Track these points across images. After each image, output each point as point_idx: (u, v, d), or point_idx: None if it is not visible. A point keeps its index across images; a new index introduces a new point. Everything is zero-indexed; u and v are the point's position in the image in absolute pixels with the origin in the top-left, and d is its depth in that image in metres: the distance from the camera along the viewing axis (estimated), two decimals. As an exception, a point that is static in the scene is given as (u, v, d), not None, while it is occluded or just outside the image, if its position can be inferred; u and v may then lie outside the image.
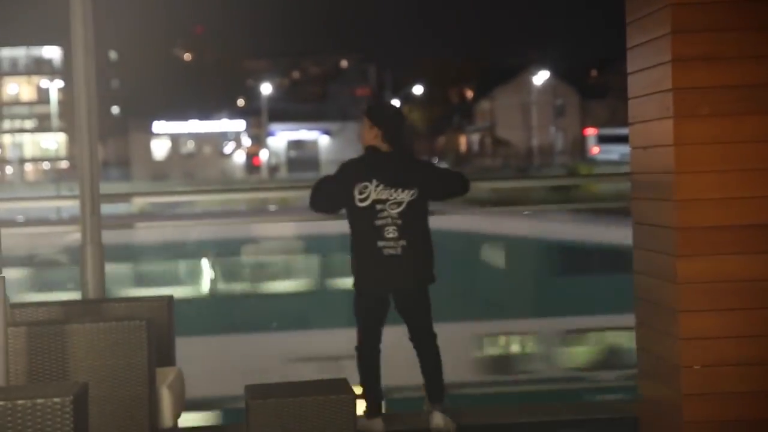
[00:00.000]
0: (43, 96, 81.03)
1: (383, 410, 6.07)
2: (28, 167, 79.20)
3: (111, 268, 6.51)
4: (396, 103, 74.67)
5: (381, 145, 6.01)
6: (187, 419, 5.88)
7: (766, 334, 4.89)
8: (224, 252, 13.52)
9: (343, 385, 4.96)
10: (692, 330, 4.89)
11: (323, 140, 77.50)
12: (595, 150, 69.67)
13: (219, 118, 78.56)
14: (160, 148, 78.25)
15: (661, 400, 5.25)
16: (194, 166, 74.50)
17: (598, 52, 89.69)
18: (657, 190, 5.17)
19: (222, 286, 13.88)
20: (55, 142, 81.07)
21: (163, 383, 5.18)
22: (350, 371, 5.98)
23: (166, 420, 5.15)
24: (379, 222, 5.85)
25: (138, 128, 75.70)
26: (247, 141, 79.89)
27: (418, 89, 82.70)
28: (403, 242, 5.85)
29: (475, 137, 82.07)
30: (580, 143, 74.77)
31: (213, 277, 13.99)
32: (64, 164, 76.25)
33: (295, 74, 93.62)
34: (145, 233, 11.41)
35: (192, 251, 13.35)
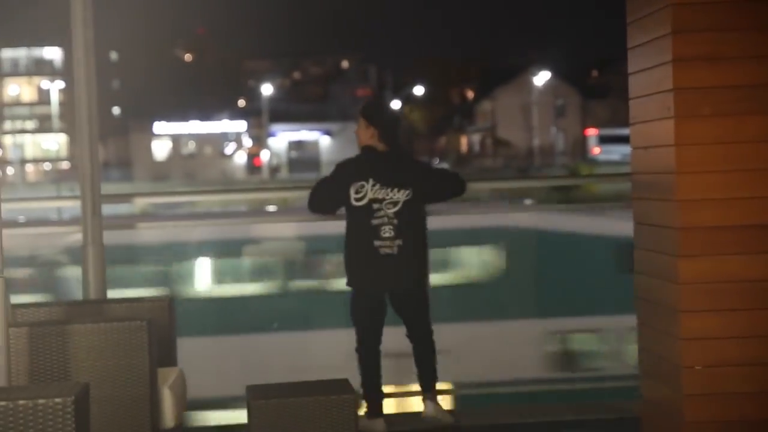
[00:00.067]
0: (43, 97, 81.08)
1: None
2: (29, 168, 79.23)
3: (112, 268, 6.53)
4: (397, 103, 74.83)
5: (377, 145, 6.02)
6: (189, 419, 5.88)
7: (767, 334, 4.90)
8: (225, 252, 13.53)
9: (344, 386, 4.97)
10: (693, 330, 4.89)
11: (324, 141, 77.53)
12: (596, 150, 69.68)
13: (220, 119, 78.58)
14: (160, 149, 78.28)
15: (662, 401, 5.24)
16: (195, 166, 74.52)
17: (599, 52, 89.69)
18: (658, 191, 5.16)
19: (223, 287, 13.87)
20: (56, 142, 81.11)
21: (165, 383, 5.18)
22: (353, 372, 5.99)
23: (168, 420, 5.16)
24: (375, 221, 5.86)
25: (139, 129, 75.73)
26: (248, 141, 79.91)
27: (418, 90, 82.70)
28: (399, 242, 5.86)
29: (476, 138, 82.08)
30: (581, 143, 74.77)
31: (214, 277, 13.99)
32: (65, 165, 76.28)
33: (296, 75, 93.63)
34: (146, 233, 11.40)
35: (193, 252, 13.35)
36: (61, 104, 78.13)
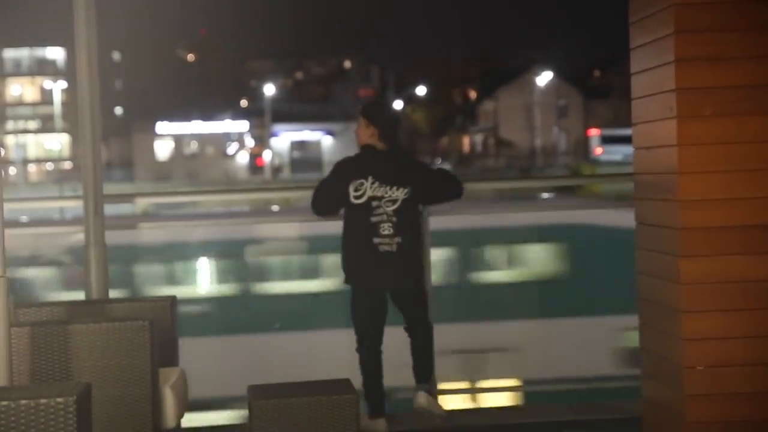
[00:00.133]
0: (46, 97, 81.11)
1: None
2: (32, 168, 79.25)
3: (114, 268, 6.54)
4: (399, 103, 74.82)
5: (377, 144, 6.03)
6: (190, 419, 5.89)
7: (769, 334, 4.90)
8: (227, 252, 13.53)
9: (345, 385, 4.97)
10: (695, 330, 4.89)
11: (326, 141, 77.53)
12: (598, 150, 69.62)
13: (222, 119, 78.58)
14: (163, 149, 78.29)
15: (664, 401, 5.24)
16: (197, 166, 74.52)
17: (602, 52, 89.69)
18: (660, 191, 5.16)
19: (224, 287, 13.88)
20: (58, 142, 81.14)
21: (166, 383, 5.18)
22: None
23: (169, 420, 5.16)
24: (374, 219, 5.88)
25: (141, 129, 75.74)
26: (250, 142, 79.91)
27: (421, 90, 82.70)
28: (398, 239, 5.88)
29: (479, 138, 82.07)
30: (583, 144, 74.73)
31: (215, 277, 14.00)
32: (67, 165, 76.29)
33: (299, 75, 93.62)
34: (148, 234, 11.41)
35: (195, 252, 13.36)
36: (64, 104, 78.16)
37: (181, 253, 13.09)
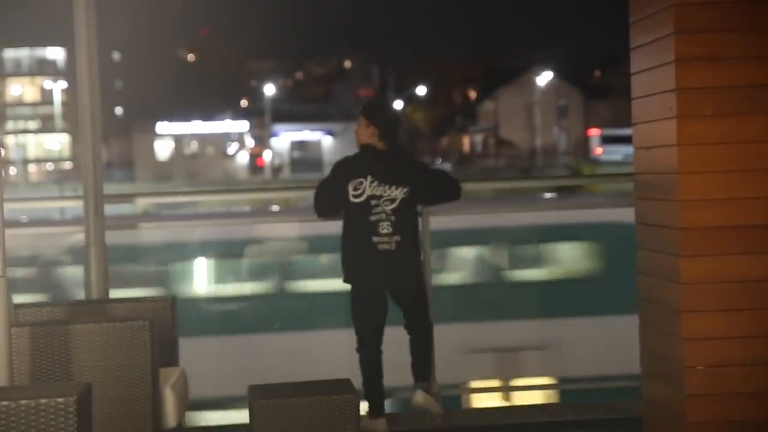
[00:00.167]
0: (46, 97, 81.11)
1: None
2: (32, 168, 79.25)
3: (114, 268, 6.54)
4: (399, 103, 74.80)
5: (377, 144, 6.04)
6: (191, 419, 5.89)
7: (769, 334, 4.89)
8: (227, 252, 13.53)
9: (346, 386, 4.97)
10: (695, 330, 4.89)
11: (326, 141, 77.53)
12: (598, 150, 69.63)
13: (222, 119, 78.57)
14: (163, 149, 78.29)
15: (664, 401, 5.24)
16: (197, 166, 74.51)
17: (602, 52, 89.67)
18: (660, 191, 5.17)
19: (224, 287, 13.88)
20: (58, 142, 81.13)
21: (167, 383, 5.18)
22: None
23: (170, 420, 5.16)
24: (373, 217, 5.89)
25: (141, 129, 75.74)
26: (250, 142, 79.91)
27: (421, 90, 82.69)
28: (397, 238, 5.89)
29: (479, 138, 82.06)
30: (584, 144, 74.73)
31: (216, 277, 14.00)
32: (67, 165, 76.29)
33: (299, 75, 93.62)
34: (149, 234, 11.41)
35: (195, 252, 13.36)
36: (64, 104, 78.16)
37: (181, 253, 13.08)
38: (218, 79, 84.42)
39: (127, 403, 4.86)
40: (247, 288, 13.80)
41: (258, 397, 4.82)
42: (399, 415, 6.30)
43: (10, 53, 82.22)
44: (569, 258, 13.40)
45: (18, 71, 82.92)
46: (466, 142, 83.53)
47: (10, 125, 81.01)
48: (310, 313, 12.91)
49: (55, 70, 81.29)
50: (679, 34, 4.88)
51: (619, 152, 57.21)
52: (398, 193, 5.93)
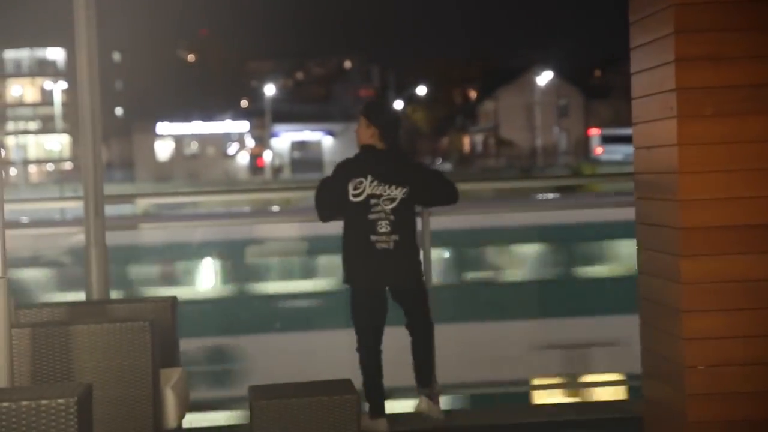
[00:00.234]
0: (46, 97, 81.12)
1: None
2: (32, 169, 79.26)
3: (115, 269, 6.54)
4: (399, 103, 74.77)
5: (377, 144, 6.06)
6: (192, 420, 5.89)
7: (770, 334, 4.89)
8: (227, 253, 13.54)
9: (346, 386, 4.97)
10: (696, 330, 4.89)
11: (327, 141, 77.55)
12: (598, 150, 69.65)
13: (222, 119, 78.58)
14: (163, 150, 78.30)
15: (665, 401, 5.24)
16: (198, 167, 74.52)
17: (602, 52, 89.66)
18: (661, 190, 5.16)
19: (225, 287, 13.89)
20: (58, 143, 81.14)
21: (167, 384, 5.18)
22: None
23: (170, 421, 5.16)
24: (372, 216, 5.90)
25: (141, 129, 75.75)
26: (250, 142, 79.93)
27: (421, 90, 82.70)
28: (395, 237, 5.90)
29: (479, 138, 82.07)
30: (584, 143, 74.74)
31: (216, 277, 14.01)
32: (67, 165, 76.30)
33: (299, 75, 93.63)
34: (149, 234, 11.42)
35: (195, 252, 13.36)
36: (64, 105, 78.17)
37: (181, 253, 13.09)
38: (218, 79, 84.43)
39: (127, 403, 4.86)
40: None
41: (258, 397, 4.82)
42: (400, 416, 6.30)
43: (10, 54, 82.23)
44: (630, 255, 13.44)
45: (18, 72, 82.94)
46: (466, 142, 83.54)
47: (10, 126, 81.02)
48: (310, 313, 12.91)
49: (55, 70, 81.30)
50: (679, 34, 4.88)
51: (620, 152, 57.21)
52: (398, 192, 5.94)
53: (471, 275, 13.96)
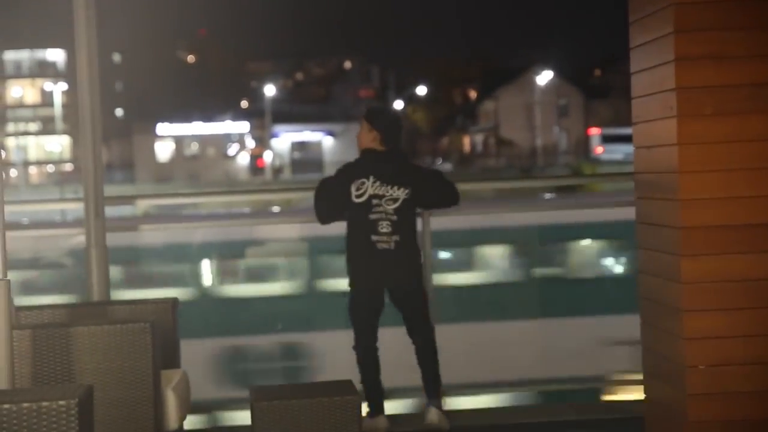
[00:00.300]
0: (47, 99, 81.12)
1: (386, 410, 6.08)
2: (33, 170, 79.28)
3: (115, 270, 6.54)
4: (399, 103, 74.75)
5: (378, 147, 6.07)
6: (193, 421, 5.89)
7: (771, 333, 4.89)
8: (228, 254, 13.54)
9: (348, 387, 4.96)
10: (697, 330, 4.89)
11: (327, 141, 77.55)
12: (599, 150, 69.65)
13: (223, 120, 78.60)
14: (163, 150, 78.31)
15: (666, 401, 5.24)
16: (198, 167, 74.53)
17: (602, 51, 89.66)
18: (661, 190, 5.16)
19: (226, 288, 13.88)
20: (59, 144, 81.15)
21: (168, 385, 5.18)
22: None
23: (171, 422, 5.16)
24: (373, 216, 5.90)
25: (142, 130, 75.76)
26: (250, 142, 79.94)
27: (421, 90, 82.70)
28: (396, 237, 5.90)
29: (479, 137, 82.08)
30: (584, 143, 74.74)
31: (217, 278, 14.00)
32: (68, 167, 76.31)
33: (299, 75, 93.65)
34: (149, 235, 11.42)
35: (196, 253, 13.36)
36: (64, 106, 78.17)
37: (182, 254, 13.09)
38: (218, 80, 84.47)
39: (128, 405, 4.86)
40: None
41: (259, 398, 4.82)
42: (399, 416, 6.30)
43: (10, 55, 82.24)
44: None
45: (18, 73, 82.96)
46: (466, 142, 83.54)
47: (10, 127, 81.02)
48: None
49: (55, 71, 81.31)
50: (679, 33, 4.88)
51: (620, 151, 57.21)
52: (400, 193, 5.94)
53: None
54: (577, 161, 65.46)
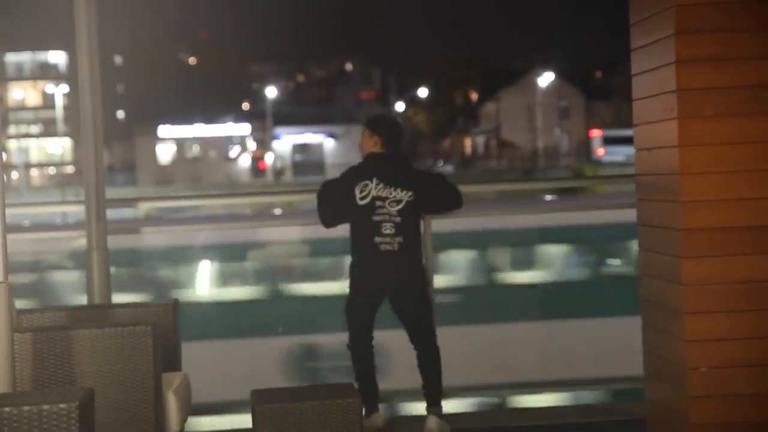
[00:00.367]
0: (48, 101, 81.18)
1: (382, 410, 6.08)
2: (34, 172, 79.33)
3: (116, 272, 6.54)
4: (401, 105, 74.75)
5: (380, 151, 6.08)
6: (194, 424, 5.88)
7: (772, 335, 4.89)
8: (229, 256, 13.54)
9: (349, 389, 4.96)
10: (698, 332, 4.88)
11: (328, 143, 77.57)
12: (600, 151, 69.66)
13: (224, 122, 78.65)
14: (165, 153, 78.34)
15: (667, 403, 5.24)
16: (200, 170, 74.56)
17: (603, 53, 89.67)
18: (662, 192, 5.16)
19: (227, 290, 13.88)
20: (60, 146, 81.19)
21: (169, 388, 5.18)
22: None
23: (173, 425, 5.15)
24: (376, 218, 5.91)
25: (143, 132, 75.80)
26: (252, 145, 79.97)
27: (422, 92, 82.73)
28: (399, 239, 5.90)
29: (480, 139, 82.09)
30: (585, 145, 74.74)
31: (218, 281, 14.00)
32: (69, 169, 76.37)
33: (300, 78, 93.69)
34: (151, 238, 11.41)
35: (197, 255, 13.36)
36: (66, 108, 78.22)
37: (183, 257, 13.08)
38: (219, 81, 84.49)
39: (129, 408, 4.85)
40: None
41: (260, 401, 4.82)
42: (397, 418, 6.30)
43: (11, 57, 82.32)
44: None
45: (20, 75, 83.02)
46: (467, 143, 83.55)
47: (12, 129, 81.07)
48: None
49: (56, 74, 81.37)
50: (679, 35, 4.87)
51: (621, 153, 57.20)
52: (404, 195, 5.94)
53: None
54: (579, 163, 65.47)
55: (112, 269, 6.41)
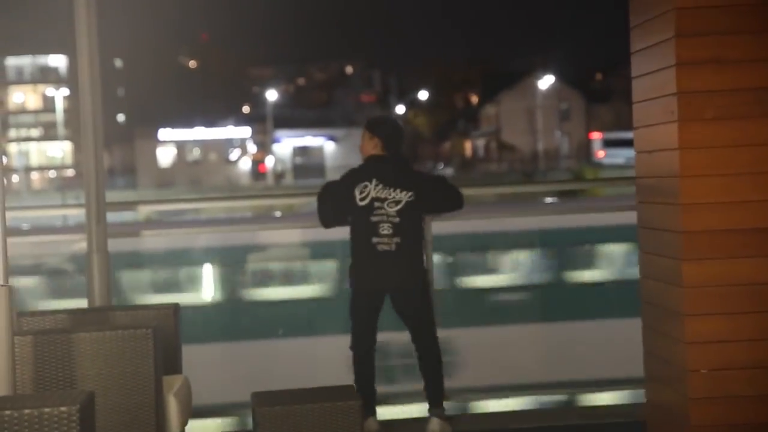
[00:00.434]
0: (48, 104, 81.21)
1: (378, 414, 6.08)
2: (34, 176, 79.33)
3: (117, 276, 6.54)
4: (401, 108, 74.76)
5: (381, 154, 6.09)
6: (195, 427, 5.88)
7: (773, 337, 4.89)
8: (230, 259, 13.54)
9: (349, 392, 4.97)
10: (698, 334, 4.88)
11: (329, 146, 77.59)
12: (600, 154, 69.68)
13: (224, 125, 78.66)
14: (165, 156, 78.36)
15: (667, 405, 5.24)
16: (200, 173, 74.57)
17: (603, 55, 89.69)
18: (662, 194, 5.16)
19: (228, 293, 13.88)
20: (60, 150, 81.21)
21: (170, 391, 5.18)
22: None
23: (173, 428, 5.16)
24: (375, 218, 5.92)
25: (143, 136, 75.82)
26: (252, 148, 79.97)
27: (423, 94, 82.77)
28: (397, 239, 5.91)
29: (481, 142, 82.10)
30: (586, 147, 74.77)
31: (219, 284, 14.00)
32: (69, 172, 76.38)
33: (300, 81, 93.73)
34: (151, 241, 11.42)
35: (198, 258, 13.36)
36: (66, 112, 78.24)
37: (183, 260, 13.09)
38: (220, 85, 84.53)
39: (130, 411, 4.86)
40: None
41: (261, 404, 4.82)
42: (395, 422, 6.30)
43: (12, 61, 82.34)
44: None
45: (20, 79, 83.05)
46: (468, 146, 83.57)
47: (12, 133, 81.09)
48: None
49: (57, 77, 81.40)
50: (679, 38, 4.88)
51: (622, 155, 57.24)
52: (403, 196, 5.95)
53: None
54: (579, 165, 65.48)
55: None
